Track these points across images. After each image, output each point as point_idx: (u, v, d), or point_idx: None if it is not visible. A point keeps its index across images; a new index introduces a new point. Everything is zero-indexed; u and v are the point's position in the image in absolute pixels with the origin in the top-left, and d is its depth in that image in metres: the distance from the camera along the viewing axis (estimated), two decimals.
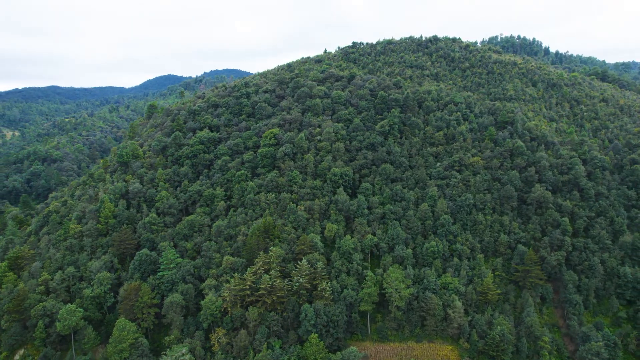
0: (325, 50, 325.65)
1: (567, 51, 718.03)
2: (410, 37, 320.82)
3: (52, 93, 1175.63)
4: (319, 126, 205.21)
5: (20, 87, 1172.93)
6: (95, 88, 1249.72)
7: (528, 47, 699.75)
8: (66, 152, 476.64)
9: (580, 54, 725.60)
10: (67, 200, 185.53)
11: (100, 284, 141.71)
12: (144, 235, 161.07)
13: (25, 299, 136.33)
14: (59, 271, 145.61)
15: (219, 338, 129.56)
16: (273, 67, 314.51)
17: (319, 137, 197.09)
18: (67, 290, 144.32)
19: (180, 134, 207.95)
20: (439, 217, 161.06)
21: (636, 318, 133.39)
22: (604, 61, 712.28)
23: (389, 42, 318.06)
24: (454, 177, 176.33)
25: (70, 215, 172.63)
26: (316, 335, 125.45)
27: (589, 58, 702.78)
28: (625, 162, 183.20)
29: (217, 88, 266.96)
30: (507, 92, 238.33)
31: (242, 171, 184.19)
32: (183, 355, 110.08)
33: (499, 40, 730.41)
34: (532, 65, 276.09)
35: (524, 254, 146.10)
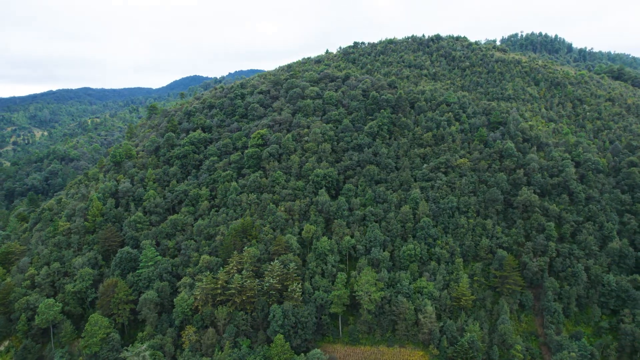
0: (327, 51, 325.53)
1: (592, 48, 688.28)
2: (412, 36, 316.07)
3: (84, 94, 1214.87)
4: (308, 127, 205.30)
5: (54, 88, 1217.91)
6: (124, 89, 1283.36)
7: (549, 45, 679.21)
8: (83, 151, 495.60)
9: (611, 51, 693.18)
10: (62, 199, 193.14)
11: (82, 280, 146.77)
12: (129, 233, 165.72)
13: (10, 293, 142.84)
14: (45, 266, 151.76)
15: (190, 335, 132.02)
16: (274, 68, 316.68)
17: (306, 138, 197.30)
18: (51, 285, 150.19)
19: (173, 134, 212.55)
20: (420, 220, 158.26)
21: (618, 328, 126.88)
22: (633, 58, 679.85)
23: (390, 41, 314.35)
24: (439, 179, 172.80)
25: (61, 213, 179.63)
26: (282, 336, 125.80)
27: (618, 55, 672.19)
28: (623, 164, 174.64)
29: (215, 89, 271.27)
30: (506, 92, 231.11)
31: (228, 172, 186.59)
32: (143, 351, 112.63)
33: (519, 37, 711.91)
34: (536, 64, 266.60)
35: (503, 259, 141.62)
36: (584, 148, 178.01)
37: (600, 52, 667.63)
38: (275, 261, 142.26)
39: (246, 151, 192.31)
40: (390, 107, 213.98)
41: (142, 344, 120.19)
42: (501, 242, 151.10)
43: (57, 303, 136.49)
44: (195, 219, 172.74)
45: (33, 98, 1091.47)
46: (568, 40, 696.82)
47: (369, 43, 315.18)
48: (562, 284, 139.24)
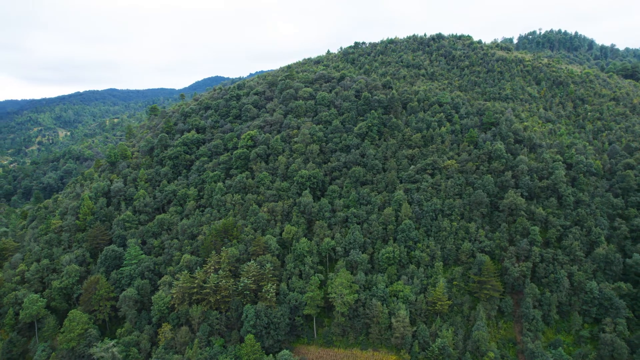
0: (328, 51, 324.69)
1: (615, 45, 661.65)
2: (413, 35, 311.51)
3: (109, 95, 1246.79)
4: (298, 128, 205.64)
5: (81, 90, 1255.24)
6: (147, 90, 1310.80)
7: (568, 42, 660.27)
8: (97, 151, 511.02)
9: (638, 48, 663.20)
10: (59, 197, 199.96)
11: (69, 276, 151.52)
12: (116, 232, 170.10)
13: (0, 288, 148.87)
14: (35, 263, 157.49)
15: (165, 333, 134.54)
16: (275, 69, 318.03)
17: (295, 139, 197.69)
18: (40, 280, 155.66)
19: (166, 135, 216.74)
20: (402, 222, 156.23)
21: (599, 338, 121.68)
22: None
23: (391, 41, 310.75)
24: (425, 181, 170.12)
25: (56, 211, 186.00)
26: (252, 336, 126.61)
27: None
28: (619, 167, 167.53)
29: (214, 90, 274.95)
30: (504, 92, 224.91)
31: (216, 172, 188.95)
32: (111, 347, 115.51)
33: (536, 35, 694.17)
34: (539, 63, 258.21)
35: (482, 264, 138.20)
36: (577, 150, 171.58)
37: (626, 48, 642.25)
38: (252, 261, 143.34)
39: (234, 152, 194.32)
40: (382, 107, 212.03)
41: (111, 340, 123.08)
42: (483, 246, 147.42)
43: (42, 298, 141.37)
44: (182, 219, 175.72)
45: (61, 99, 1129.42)
46: (591, 37, 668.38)
47: (369, 43, 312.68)
48: (543, 291, 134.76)
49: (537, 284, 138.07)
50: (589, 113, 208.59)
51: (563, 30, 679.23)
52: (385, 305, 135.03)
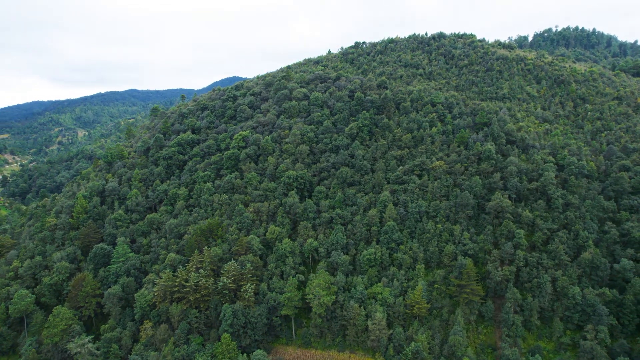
0: (329, 51, 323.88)
1: (637, 41, 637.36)
2: (414, 34, 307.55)
3: (129, 96, 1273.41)
4: (290, 128, 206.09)
5: (103, 91, 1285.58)
6: (167, 90, 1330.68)
7: (585, 40, 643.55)
8: None
9: None
10: (56, 196, 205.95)
11: (59, 273, 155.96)
12: (107, 230, 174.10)
13: None
14: (28, 259, 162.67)
15: (146, 330, 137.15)
16: (275, 70, 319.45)
17: (286, 140, 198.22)
18: (32, 277, 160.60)
19: (162, 136, 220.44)
20: (385, 224, 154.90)
21: (579, 345, 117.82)
22: None
23: (391, 40, 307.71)
24: (412, 182, 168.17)
25: (52, 209, 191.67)
26: (228, 335, 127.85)
27: None
28: (614, 168, 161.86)
29: (214, 91, 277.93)
30: (501, 91, 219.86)
31: (207, 172, 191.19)
32: (86, 343, 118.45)
33: (552, 32, 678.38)
34: (542, 62, 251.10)
35: (463, 267, 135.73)
36: (571, 151, 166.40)
37: None
38: (232, 261, 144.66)
39: (225, 152, 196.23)
40: (375, 108, 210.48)
41: (87, 336, 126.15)
42: (467, 249, 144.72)
43: (31, 294, 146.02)
44: (172, 218, 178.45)
45: (83, 100, 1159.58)
46: (613, 33, 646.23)
47: (370, 43, 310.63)
48: (525, 296, 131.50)
49: (520, 289, 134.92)
50: (589, 113, 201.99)
51: (580, 27, 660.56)
52: (363, 307, 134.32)
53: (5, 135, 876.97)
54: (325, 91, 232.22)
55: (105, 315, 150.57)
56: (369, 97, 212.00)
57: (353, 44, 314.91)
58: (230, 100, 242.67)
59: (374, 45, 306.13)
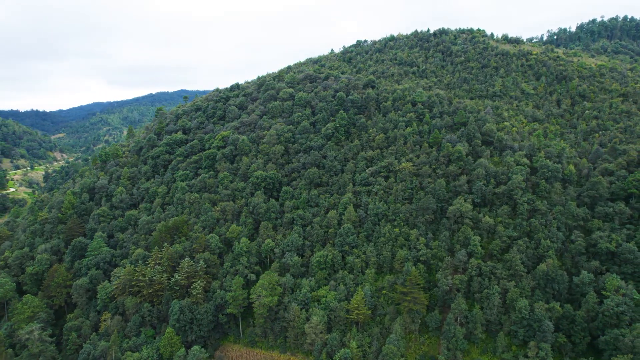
0: (332, 50, 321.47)
1: None
2: (415, 31, 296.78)
3: (177, 97, 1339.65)
4: (269, 128, 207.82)
5: (154, 92, 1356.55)
6: (212, 90, 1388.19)
7: (633, 30, 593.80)
8: None
9: None
10: (55, 192, 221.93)
11: (40, 264, 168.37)
12: (90, 225, 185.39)
13: None
14: (17, 250, 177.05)
15: (106, 321, 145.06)
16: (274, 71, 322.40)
17: (263, 140, 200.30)
18: (19, 266, 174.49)
19: (155, 136, 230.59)
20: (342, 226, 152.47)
21: None
22: None
23: (391, 38, 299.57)
24: (378, 184, 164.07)
25: (47, 204, 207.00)
26: (172, 329, 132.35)
27: None
28: (596, 172, 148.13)
29: (213, 92, 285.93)
30: (492, 89, 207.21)
31: (186, 171, 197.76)
32: (34, 330, 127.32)
33: (596, 23, 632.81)
34: (546, 57, 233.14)
35: (408, 274, 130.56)
36: (549, 153, 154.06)
37: None
38: (186, 258, 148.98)
39: (204, 152, 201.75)
40: (357, 107, 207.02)
41: (34, 323, 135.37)
42: (420, 255, 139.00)
43: (10, 282, 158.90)
44: (147, 215, 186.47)
45: (135, 100, 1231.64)
46: None
47: (371, 41, 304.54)
48: (472, 307, 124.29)
49: (470, 299, 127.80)
50: (587, 111, 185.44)
51: (629, 17, 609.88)
52: (305, 310, 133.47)
53: (61, 135, 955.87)
54: (311, 91, 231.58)
55: (74, 305, 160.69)
56: (350, 97, 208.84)
57: (355, 43, 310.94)
58: (222, 101, 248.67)
59: (374, 43, 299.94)
